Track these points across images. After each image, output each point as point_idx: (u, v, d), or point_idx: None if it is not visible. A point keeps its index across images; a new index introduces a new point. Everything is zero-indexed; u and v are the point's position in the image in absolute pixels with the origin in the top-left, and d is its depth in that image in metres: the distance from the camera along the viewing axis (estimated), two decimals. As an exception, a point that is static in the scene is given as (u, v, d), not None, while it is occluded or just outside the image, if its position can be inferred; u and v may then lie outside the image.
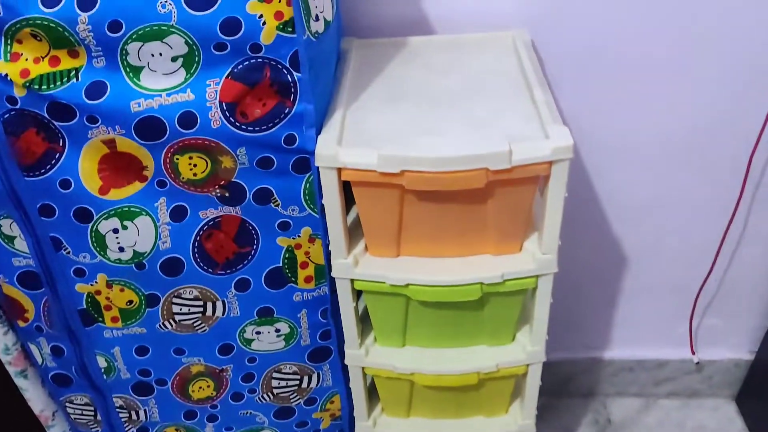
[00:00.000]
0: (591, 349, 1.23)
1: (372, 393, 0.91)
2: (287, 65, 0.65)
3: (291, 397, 0.92)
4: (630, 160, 0.99)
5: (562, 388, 1.28)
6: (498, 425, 0.90)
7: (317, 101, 0.69)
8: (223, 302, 0.82)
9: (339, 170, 0.67)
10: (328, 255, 0.76)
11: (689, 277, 1.11)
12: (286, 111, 0.68)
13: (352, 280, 0.75)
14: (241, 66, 0.65)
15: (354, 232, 0.76)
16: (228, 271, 0.79)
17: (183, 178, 0.72)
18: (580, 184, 1.01)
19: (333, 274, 0.75)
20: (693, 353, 1.19)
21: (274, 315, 0.83)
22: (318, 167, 0.68)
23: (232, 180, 0.72)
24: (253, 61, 0.65)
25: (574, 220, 1.02)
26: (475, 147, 0.63)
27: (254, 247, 0.78)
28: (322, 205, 0.71)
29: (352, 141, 0.68)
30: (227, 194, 0.74)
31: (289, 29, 0.64)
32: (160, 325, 0.84)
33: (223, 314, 0.83)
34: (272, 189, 0.73)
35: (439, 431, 0.90)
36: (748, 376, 1.22)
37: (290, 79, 0.66)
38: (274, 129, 0.68)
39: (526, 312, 0.82)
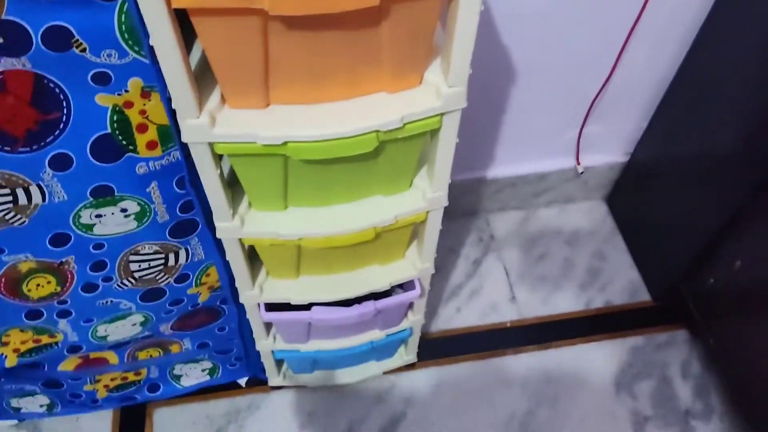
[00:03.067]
0: (474, 170, 1.18)
1: (253, 257, 0.80)
2: None
3: (157, 277, 0.78)
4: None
5: (444, 209, 1.25)
6: (396, 271, 0.83)
7: None
8: (39, 186, 0.61)
9: (167, -6, 0.46)
10: (172, 113, 0.57)
11: (581, 86, 1.04)
12: None
13: (210, 144, 0.58)
14: None
15: (204, 77, 0.57)
16: (35, 147, 0.58)
17: None
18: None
19: (183, 139, 0.57)
20: (578, 163, 1.19)
21: (115, 193, 0.65)
22: (134, -9, 0.46)
23: (2, 18, 0.49)
24: None
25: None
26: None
27: (64, 111, 0.57)
28: (151, 47, 0.50)
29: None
30: (0, 40, 0.50)
31: None
32: (-45, 225, 0.63)
33: (43, 201, 0.63)
34: (70, 27, 0.51)
35: (334, 286, 0.82)
36: (620, 176, 1.25)
37: None
38: (50, -68, 0.44)
39: (424, 153, 0.71)
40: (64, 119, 0.57)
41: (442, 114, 0.60)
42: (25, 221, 0.64)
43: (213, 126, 0.56)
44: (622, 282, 1.24)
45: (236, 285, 0.79)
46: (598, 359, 1.14)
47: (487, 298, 1.21)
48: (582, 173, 1.21)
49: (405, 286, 0.88)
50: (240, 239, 0.71)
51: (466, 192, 1.22)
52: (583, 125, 1.12)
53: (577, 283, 1.23)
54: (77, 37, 0.51)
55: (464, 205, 1.25)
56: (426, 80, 0.59)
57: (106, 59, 0.53)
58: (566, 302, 1.21)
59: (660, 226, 1.16)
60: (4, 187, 0.60)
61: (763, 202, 0.90)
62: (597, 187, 1.28)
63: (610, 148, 1.20)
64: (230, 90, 0.56)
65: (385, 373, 1.09)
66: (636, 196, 1.22)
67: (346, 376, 1.07)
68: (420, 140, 0.64)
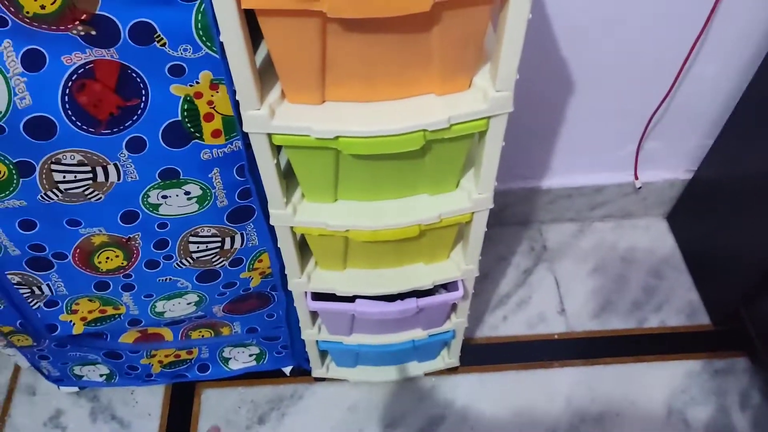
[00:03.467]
0: (528, 179, 1.19)
1: (303, 247, 0.84)
2: None
3: (213, 259, 0.83)
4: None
5: (496, 217, 1.26)
6: (440, 271, 0.85)
7: None
8: (116, 166, 0.68)
9: (237, -7, 0.50)
10: (236, 104, 0.62)
11: (640, 100, 1.03)
12: None
13: (268, 135, 0.62)
14: None
15: (267, 73, 0.62)
16: (115, 130, 0.64)
17: (27, 12, 0.54)
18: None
19: (245, 129, 0.62)
20: (636, 178, 1.17)
21: (181, 177, 0.70)
22: (208, -9, 0.51)
23: (96, 13, 0.54)
24: None
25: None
26: (416, -43, 0.48)
27: (143, 98, 0.62)
28: (221, 43, 0.55)
29: (250, -48, 0.51)
30: (93, 33, 0.56)
31: None
32: (42, 197, 0.70)
33: (118, 179, 0.69)
34: (153, 23, 0.56)
35: (379, 281, 0.85)
36: (682, 194, 1.22)
37: None
38: (140, -64, 0.50)
39: (471, 155, 0.73)
40: (142, 106, 0.63)
41: (488, 117, 0.62)
42: (101, 197, 0.71)
43: (272, 118, 0.60)
44: (680, 303, 1.20)
45: (286, 272, 0.83)
46: (649, 381, 1.11)
47: (536, 308, 1.20)
48: (640, 188, 1.19)
49: (449, 287, 0.90)
50: (291, 227, 0.75)
51: (520, 201, 1.22)
52: (642, 140, 1.10)
53: (630, 300, 1.21)
54: (159, 32, 0.57)
55: (518, 214, 1.26)
56: (474, 84, 0.61)
57: (182, 53, 0.59)
58: (618, 319, 1.19)
59: (723, 248, 1.12)
60: (86, 165, 0.67)
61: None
62: (656, 204, 1.25)
63: (670, 165, 1.18)
64: (290, 86, 0.60)
65: (426, 374, 1.11)
66: (698, 216, 1.19)
67: (387, 373, 1.09)
68: (467, 141, 0.66)
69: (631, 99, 1.03)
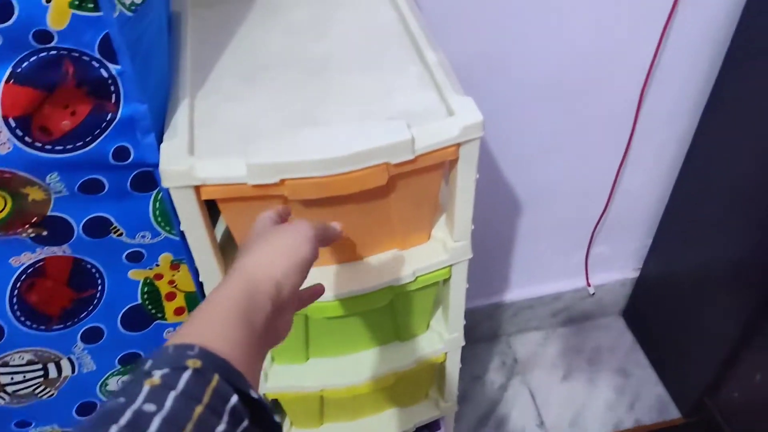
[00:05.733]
0: (491, 296, 1.20)
1: (277, 407, 0.80)
2: (97, 56, 0.46)
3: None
4: (522, 107, 0.91)
5: (466, 336, 1.25)
6: (419, 411, 0.83)
7: (152, 97, 0.51)
8: (70, 360, 0.64)
9: (197, 188, 0.50)
10: (198, 281, 0.60)
11: (584, 213, 1.09)
12: (109, 117, 0.49)
13: (235, 310, 0.61)
14: (26, 64, 0.45)
15: (227, 248, 0.61)
16: (68, 324, 0.61)
17: (-26, 221, 0.52)
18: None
19: (210, 307, 0.60)
20: (588, 284, 1.21)
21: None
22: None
23: (48, 215, 0.53)
24: (44, 54, 0.45)
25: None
26: (370, 139, 0.50)
27: (98, 288, 0.60)
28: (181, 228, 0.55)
29: (208, 146, 0.52)
30: (45, 233, 0.54)
31: (90, 5, 0.44)
32: (-12, 401, 0.64)
33: (73, 372, 0.65)
34: (109, 217, 0.55)
35: (359, 430, 0.81)
36: (633, 292, 1.27)
37: (106, 74, 0.47)
38: (95, 143, 0.50)
39: (439, 296, 0.73)
40: (98, 296, 0.60)
41: (450, 265, 0.63)
42: (53, 394, 0.66)
43: (237, 294, 0.59)
44: (650, 399, 1.21)
45: (260, 439, 0.78)
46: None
47: (516, 424, 1.18)
48: (593, 294, 1.22)
49: (431, 426, 0.87)
50: (264, 394, 0.71)
51: (485, 317, 1.23)
52: (589, 247, 1.15)
53: (604, 403, 1.20)
54: (115, 224, 0.56)
55: (485, 330, 1.26)
56: (434, 236, 0.63)
57: (140, 240, 0.58)
58: (596, 424, 1.17)
59: (678, 340, 1.15)
60: (36, 363, 0.63)
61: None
62: (612, 304, 1.29)
63: (619, 266, 1.23)
64: (253, 259, 0.60)
65: None
66: (651, 310, 1.23)
67: None
68: (433, 288, 0.67)
69: (574, 214, 1.09)
